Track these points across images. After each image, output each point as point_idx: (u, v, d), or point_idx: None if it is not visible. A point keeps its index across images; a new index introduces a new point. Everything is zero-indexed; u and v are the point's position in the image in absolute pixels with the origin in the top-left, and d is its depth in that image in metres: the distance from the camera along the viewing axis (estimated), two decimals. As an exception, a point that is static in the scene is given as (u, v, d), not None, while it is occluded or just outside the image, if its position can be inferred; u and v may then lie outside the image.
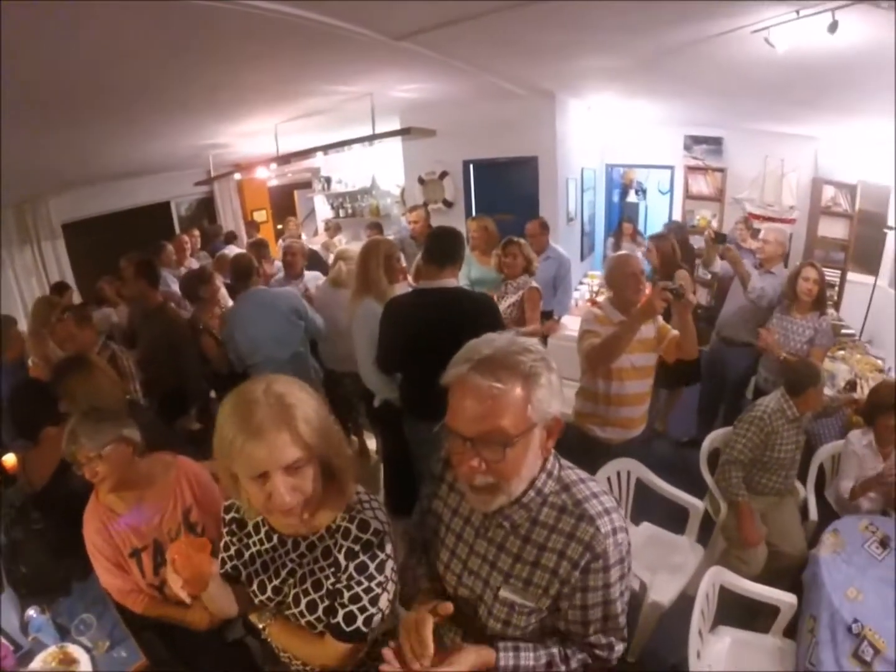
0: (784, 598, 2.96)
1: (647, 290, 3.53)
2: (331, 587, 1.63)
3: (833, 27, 3.25)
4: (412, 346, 3.44)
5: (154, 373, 4.34)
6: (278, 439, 1.42)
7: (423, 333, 3.35)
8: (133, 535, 2.44)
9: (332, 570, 1.63)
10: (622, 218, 9.21)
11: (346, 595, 1.60)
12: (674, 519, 3.82)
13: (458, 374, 1.42)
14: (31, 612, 2.53)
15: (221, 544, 1.83)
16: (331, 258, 6.01)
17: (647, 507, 3.93)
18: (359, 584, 1.60)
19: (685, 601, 2.83)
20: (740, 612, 3.13)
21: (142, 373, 4.23)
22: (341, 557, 1.61)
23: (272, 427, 1.42)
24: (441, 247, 3.55)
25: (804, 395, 3.57)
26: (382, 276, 3.92)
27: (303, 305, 4.57)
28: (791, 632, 3.03)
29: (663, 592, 3.30)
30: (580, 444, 3.82)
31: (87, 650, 2.44)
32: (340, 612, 1.61)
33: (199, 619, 2.42)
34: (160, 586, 2.47)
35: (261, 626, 1.78)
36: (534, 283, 4.94)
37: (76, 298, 6.73)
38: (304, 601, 1.68)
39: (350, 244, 5.20)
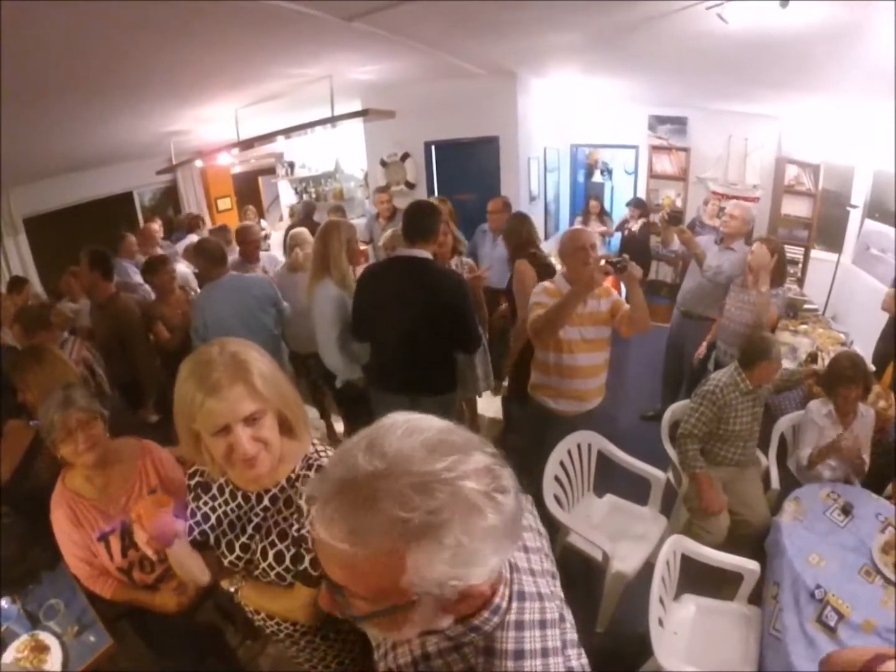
0: (746, 565, 2.97)
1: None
2: (295, 534, 1.65)
3: (784, 3, 3.25)
4: (382, 312, 3.55)
5: (110, 365, 4.29)
6: (235, 393, 1.48)
7: (391, 300, 3.53)
8: (100, 519, 2.41)
9: (295, 517, 1.66)
10: (589, 196, 9.27)
11: (310, 539, 1.60)
12: (637, 490, 3.84)
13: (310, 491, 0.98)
14: (3, 602, 2.51)
15: (188, 512, 1.84)
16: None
17: (610, 479, 3.96)
18: None
19: (650, 571, 2.81)
20: (705, 581, 3.14)
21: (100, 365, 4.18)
22: (302, 503, 1.64)
23: (229, 382, 1.48)
24: (410, 222, 3.62)
25: (757, 367, 3.58)
26: (343, 258, 3.93)
27: (275, 292, 4.52)
28: (756, 599, 3.05)
29: (627, 562, 3.30)
30: (538, 418, 3.87)
31: (58, 636, 2.44)
32: (307, 558, 1.63)
33: (167, 602, 2.42)
34: (129, 570, 2.45)
35: (232, 589, 1.83)
36: (469, 261, 5.01)
37: (40, 292, 6.67)
38: (271, 553, 1.70)
39: (303, 229, 5.13)
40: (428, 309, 3.48)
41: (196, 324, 4.41)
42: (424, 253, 3.57)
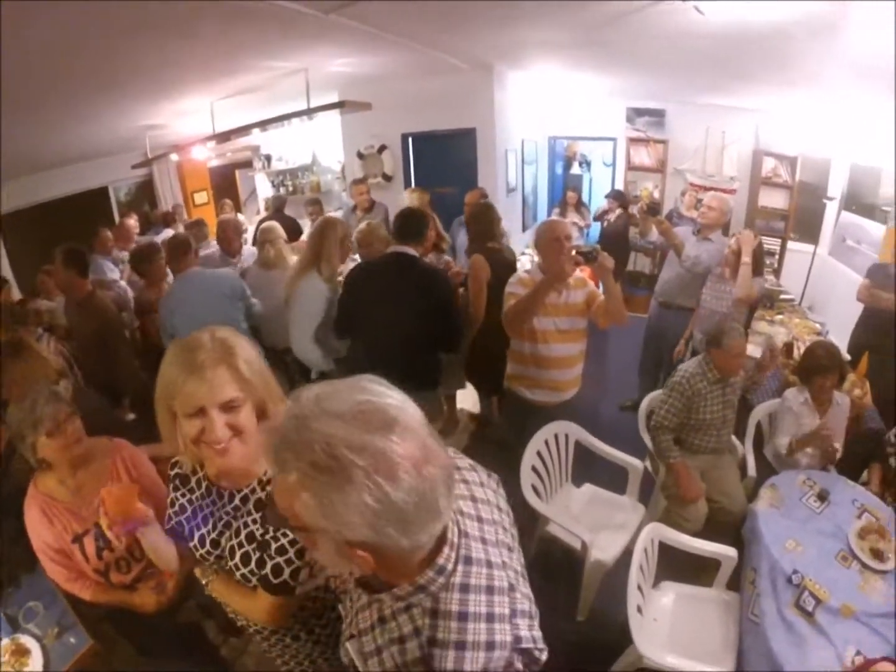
0: (724, 552, 2.99)
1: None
2: (261, 538, 1.64)
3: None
4: (369, 308, 3.60)
5: (87, 363, 4.24)
6: (217, 376, 1.50)
7: (379, 296, 3.60)
8: (74, 521, 2.38)
9: (262, 521, 1.65)
10: (566, 187, 9.30)
11: (273, 546, 1.61)
12: (615, 479, 3.84)
13: None
14: (-17, 607, 2.48)
15: (168, 501, 1.85)
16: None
17: (588, 468, 3.97)
18: (284, 535, 1.60)
19: (630, 559, 2.82)
20: (684, 568, 3.17)
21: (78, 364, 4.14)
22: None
23: (213, 364, 1.50)
24: (402, 225, 3.82)
25: (715, 354, 3.62)
26: (336, 255, 4.01)
27: (242, 286, 4.46)
28: (735, 585, 3.07)
29: (606, 551, 3.31)
30: (516, 409, 3.90)
31: (38, 639, 2.41)
32: (269, 564, 1.62)
33: (147, 602, 2.41)
34: (105, 572, 2.43)
35: (204, 581, 1.81)
36: (446, 258, 4.99)
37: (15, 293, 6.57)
38: (238, 553, 1.69)
39: (273, 223, 5.10)
40: (415, 306, 3.53)
41: (164, 321, 4.36)
42: (410, 250, 3.69)
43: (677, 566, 3.16)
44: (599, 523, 3.55)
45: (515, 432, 3.82)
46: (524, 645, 1.18)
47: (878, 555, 2.81)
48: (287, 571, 1.61)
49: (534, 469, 3.52)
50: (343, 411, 0.97)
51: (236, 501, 1.72)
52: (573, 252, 3.23)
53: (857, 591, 2.65)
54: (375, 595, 1.19)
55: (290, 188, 9.92)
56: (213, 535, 1.74)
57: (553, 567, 3.71)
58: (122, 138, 7.31)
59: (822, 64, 4.74)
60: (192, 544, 1.79)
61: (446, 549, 1.14)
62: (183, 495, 1.81)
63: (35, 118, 4.86)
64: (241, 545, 1.68)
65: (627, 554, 3.05)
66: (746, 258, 4.31)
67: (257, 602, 1.70)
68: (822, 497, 3.20)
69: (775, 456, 3.88)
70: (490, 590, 1.18)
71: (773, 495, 3.26)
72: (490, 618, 1.15)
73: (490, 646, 1.12)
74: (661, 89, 7.94)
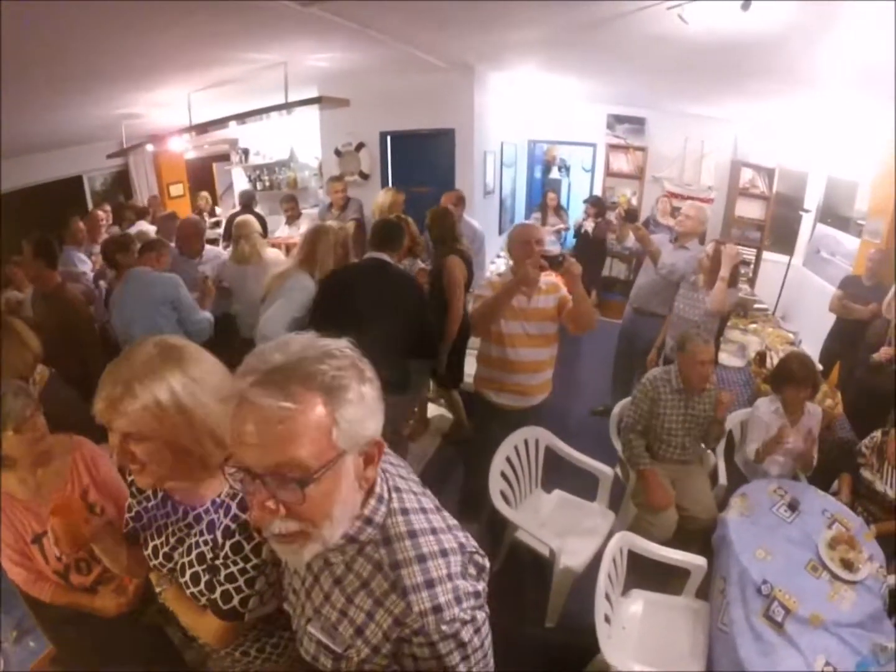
0: (693, 561, 2.97)
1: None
2: (210, 562, 1.59)
3: (746, 6, 3.23)
4: (338, 311, 3.54)
5: (54, 356, 4.15)
6: (118, 399, 1.39)
7: (349, 299, 3.55)
8: (34, 520, 2.30)
9: (212, 545, 1.59)
10: (546, 189, 9.33)
11: (223, 573, 1.55)
12: (586, 486, 3.82)
13: (237, 390, 1.08)
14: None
15: (126, 505, 1.81)
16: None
17: (558, 474, 3.95)
18: (234, 563, 1.54)
19: (600, 565, 2.83)
20: (654, 576, 3.15)
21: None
22: (219, 535, 1.57)
23: (122, 389, 1.39)
24: (376, 234, 3.87)
25: (679, 360, 3.64)
26: (329, 261, 4.04)
27: (174, 294, 4.28)
28: (704, 593, 3.06)
29: (575, 558, 3.28)
30: (482, 412, 3.87)
31: None
32: (218, 589, 1.57)
33: (108, 604, 2.34)
34: (65, 573, 2.35)
35: (158, 589, 1.75)
36: (420, 264, 4.97)
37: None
38: (188, 572, 1.63)
39: (248, 217, 5.06)
40: (388, 311, 3.50)
41: (113, 319, 4.31)
42: (384, 256, 3.72)
43: (647, 574, 3.14)
44: (569, 530, 3.53)
45: (481, 434, 3.81)
46: (469, 549, 1.28)
47: (847, 565, 2.81)
48: (236, 599, 1.56)
49: (503, 475, 3.48)
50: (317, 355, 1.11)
51: (190, 519, 1.65)
52: (539, 257, 3.18)
53: (826, 601, 2.65)
54: (328, 548, 1.21)
55: (267, 183, 9.90)
56: (166, 549, 1.69)
57: (523, 573, 3.70)
58: (98, 126, 7.18)
59: (802, 75, 4.77)
60: (146, 553, 1.74)
61: (379, 480, 1.26)
62: (139, 503, 1.77)
63: (7, 103, 4.75)
64: (191, 564, 1.63)
65: (597, 560, 3.02)
66: (725, 273, 4.29)
67: (206, 622, 1.65)
68: (793, 507, 3.20)
69: (746, 464, 3.88)
70: (424, 510, 1.30)
71: (744, 504, 3.25)
72: (434, 531, 1.26)
73: (444, 553, 1.22)
74: (642, 95, 7.97)
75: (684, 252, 4.91)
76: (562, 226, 8.79)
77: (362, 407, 1.11)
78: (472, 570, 1.26)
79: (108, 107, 6.20)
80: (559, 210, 8.93)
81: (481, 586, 1.26)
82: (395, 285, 3.69)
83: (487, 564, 1.32)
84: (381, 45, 4.97)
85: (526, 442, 3.67)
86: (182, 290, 4.35)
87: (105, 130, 7.50)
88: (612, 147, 9.12)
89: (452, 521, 1.34)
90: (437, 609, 1.16)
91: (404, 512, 1.27)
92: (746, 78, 5.34)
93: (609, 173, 9.28)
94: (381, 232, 3.86)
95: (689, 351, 3.55)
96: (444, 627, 1.16)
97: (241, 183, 10.23)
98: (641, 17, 3.88)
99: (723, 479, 3.87)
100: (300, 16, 3.74)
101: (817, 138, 7.27)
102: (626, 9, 3.80)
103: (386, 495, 1.26)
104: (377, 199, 5.89)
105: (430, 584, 1.18)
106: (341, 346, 1.15)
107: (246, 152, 9.95)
